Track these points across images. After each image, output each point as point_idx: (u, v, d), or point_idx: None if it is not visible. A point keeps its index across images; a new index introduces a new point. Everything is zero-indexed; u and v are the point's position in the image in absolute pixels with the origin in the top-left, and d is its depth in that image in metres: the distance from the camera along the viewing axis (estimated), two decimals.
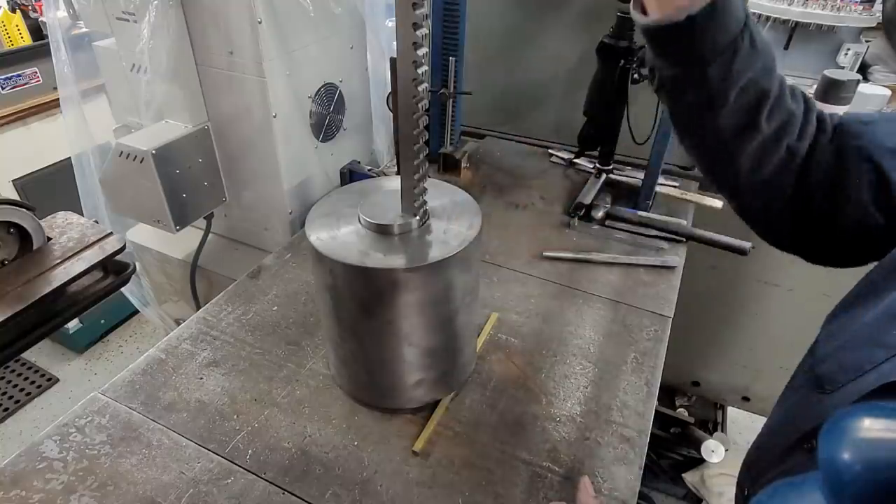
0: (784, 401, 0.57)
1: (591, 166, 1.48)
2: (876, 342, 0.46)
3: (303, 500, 0.73)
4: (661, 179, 1.38)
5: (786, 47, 2.07)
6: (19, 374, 2.37)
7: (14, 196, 2.08)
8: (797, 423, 0.51)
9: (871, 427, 0.39)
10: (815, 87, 1.43)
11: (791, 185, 0.60)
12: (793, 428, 0.52)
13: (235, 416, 0.84)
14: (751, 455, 0.59)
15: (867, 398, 0.43)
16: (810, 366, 0.53)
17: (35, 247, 1.00)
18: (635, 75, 1.20)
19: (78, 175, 1.41)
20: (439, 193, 0.78)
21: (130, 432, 0.81)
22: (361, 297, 0.72)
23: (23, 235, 0.99)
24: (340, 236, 0.72)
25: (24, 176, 2.10)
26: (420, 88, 0.64)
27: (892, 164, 0.53)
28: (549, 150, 1.61)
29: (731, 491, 0.61)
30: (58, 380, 2.35)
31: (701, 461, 1.77)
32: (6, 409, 2.21)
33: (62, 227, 1.06)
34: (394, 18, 0.62)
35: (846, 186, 0.55)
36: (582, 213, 1.30)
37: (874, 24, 1.90)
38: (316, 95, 1.29)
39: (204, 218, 1.35)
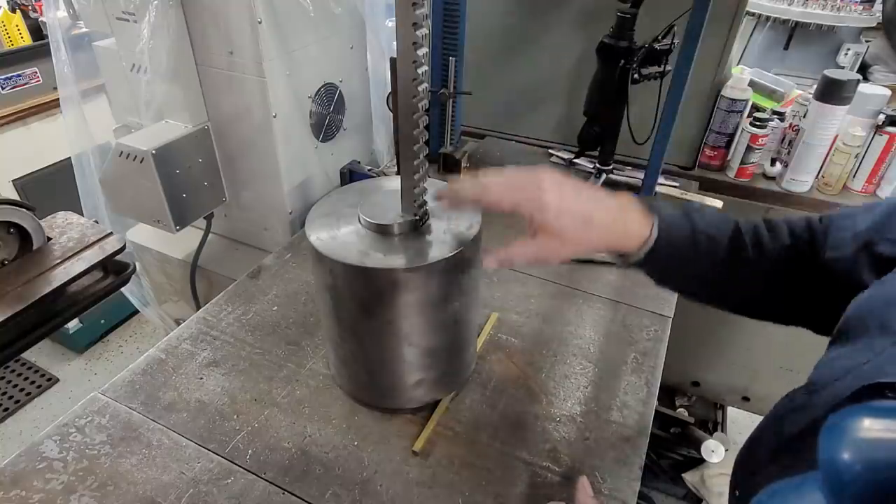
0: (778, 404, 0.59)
1: (591, 166, 1.48)
2: (864, 348, 0.47)
3: (303, 500, 0.73)
4: (661, 179, 1.38)
5: (786, 47, 2.07)
6: (19, 374, 2.37)
7: (14, 196, 2.08)
8: (785, 425, 0.52)
9: (871, 427, 0.39)
10: (814, 86, 1.43)
11: (800, 290, 0.66)
12: (781, 429, 0.53)
13: (235, 416, 0.84)
14: (741, 456, 0.60)
15: (850, 399, 0.44)
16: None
17: (35, 247, 1.00)
18: (635, 75, 1.20)
19: (78, 175, 1.41)
20: None
21: (130, 432, 0.81)
22: (361, 297, 0.72)
23: (23, 235, 0.99)
24: (340, 236, 0.72)
25: (24, 176, 2.10)
26: (420, 88, 0.64)
27: (883, 246, 0.56)
28: (549, 150, 1.61)
29: None
30: (58, 380, 2.35)
31: (701, 461, 1.77)
32: (6, 409, 2.21)
33: (62, 227, 1.06)
34: (394, 18, 0.62)
35: (849, 275, 0.58)
36: None
37: (874, 24, 1.91)
38: (316, 95, 1.29)
39: (204, 218, 1.35)
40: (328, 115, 1.35)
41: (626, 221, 0.62)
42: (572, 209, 0.60)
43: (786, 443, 0.50)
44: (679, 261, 0.65)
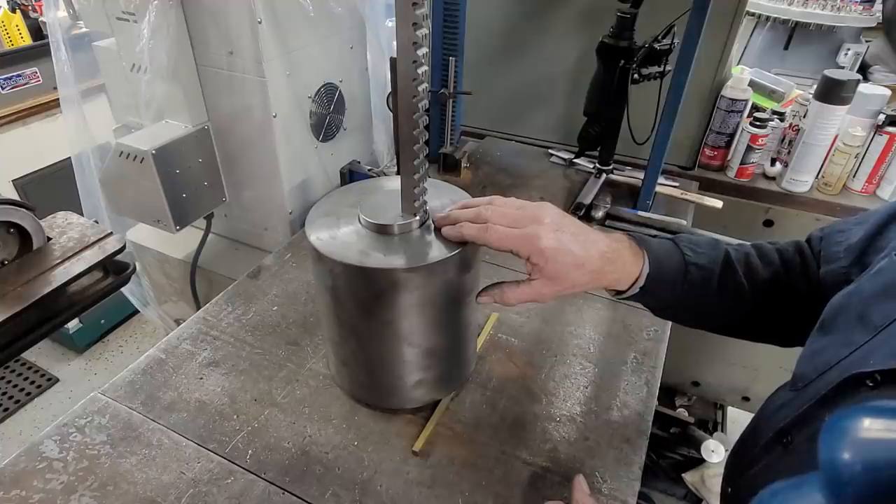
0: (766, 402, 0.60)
1: (591, 166, 1.48)
2: (845, 342, 0.49)
3: (303, 500, 0.73)
4: (661, 179, 1.38)
5: (786, 47, 2.07)
6: (19, 374, 2.37)
7: (14, 196, 2.08)
8: (774, 420, 0.53)
9: (871, 427, 0.39)
10: (814, 86, 1.43)
11: (793, 312, 0.68)
12: (770, 424, 0.54)
13: (235, 416, 0.84)
14: (733, 454, 0.61)
15: (833, 392, 0.45)
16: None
17: (35, 247, 1.00)
18: (635, 75, 1.20)
19: (78, 175, 1.41)
20: (439, 193, 0.78)
21: (130, 432, 0.81)
22: (361, 297, 0.72)
23: (23, 235, 0.99)
24: (340, 236, 0.72)
25: (24, 176, 2.10)
26: (420, 88, 0.64)
27: (876, 257, 0.57)
28: (549, 150, 1.61)
29: None
30: (58, 380, 2.36)
31: (701, 461, 1.77)
32: (6, 409, 2.21)
33: (62, 227, 1.06)
34: (394, 18, 0.62)
35: (843, 287, 0.58)
36: (582, 213, 1.30)
37: (874, 24, 1.91)
38: (316, 95, 1.29)
39: (204, 218, 1.35)
40: (328, 115, 1.35)
41: (617, 263, 0.65)
42: (567, 255, 0.62)
43: (775, 439, 0.51)
44: (671, 294, 0.68)
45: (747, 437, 0.61)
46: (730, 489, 0.59)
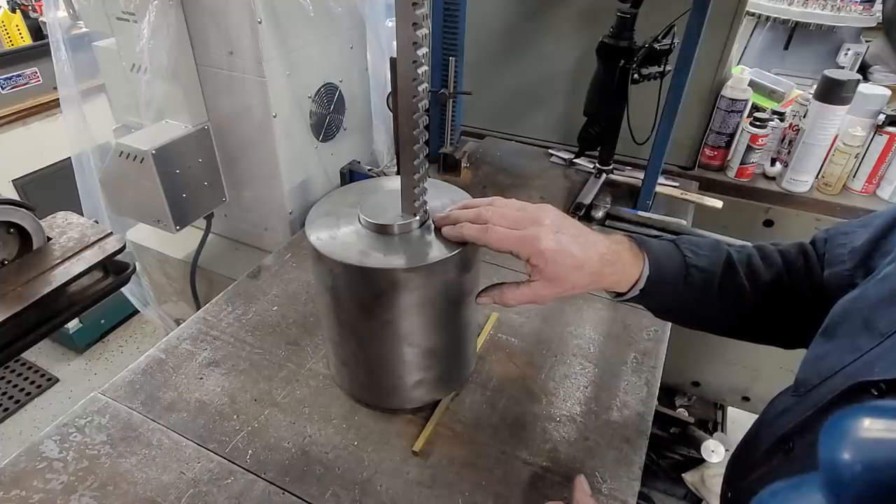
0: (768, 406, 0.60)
1: (591, 166, 1.48)
2: (850, 348, 0.48)
3: (303, 500, 0.73)
4: (661, 179, 1.38)
5: (786, 47, 2.07)
6: (19, 374, 2.37)
7: (14, 196, 2.08)
8: (776, 425, 0.53)
9: (871, 427, 0.39)
10: (814, 86, 1.43)
11: (796, 314, 0.68)
12: (772, 430, 0.53)
13: (235, 416, 0.84)
14: (734, 457, 0.61)
15: (837, 399, 0.45)
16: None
17: (35, 247, 1.00)
18: (635, 75, 1.20)
19: (78, 175, 1.41)
20: (439, 193, 0.78)
21: (130, 432, 0.81)
22: (361, 297, 0.72)
23: (23, 235, 0.99)
24: (340, 236, 0.72)
25: (24, 176, 2.10)
26: (420, 88, 0.64)
27: (881, 260, 0.56)
28: (549, 150, 1.61)
29: None
30: (58, 380, 2.36)
31: (701, 461, 1.77)
32: (6, 409, 2.21)
33: (62, 227, 1.06)
34: (394, 18, 0.62)
35: (847, 291, 0.58)
36: (582, 213, 1.30)
37: (874, 24, 1.91)
38: (316, 95, 1.29)
39: (204, 218, 1.35)
40: (328, 115, 1.35)
41: (617, 265, 0.65)
42: (567, 256, 0.62)
43: (777, 445, 0.51)
44: (672, 296, 0.68)
45: (748, 441, 0.60)
46: (730, 493, 0.59)
